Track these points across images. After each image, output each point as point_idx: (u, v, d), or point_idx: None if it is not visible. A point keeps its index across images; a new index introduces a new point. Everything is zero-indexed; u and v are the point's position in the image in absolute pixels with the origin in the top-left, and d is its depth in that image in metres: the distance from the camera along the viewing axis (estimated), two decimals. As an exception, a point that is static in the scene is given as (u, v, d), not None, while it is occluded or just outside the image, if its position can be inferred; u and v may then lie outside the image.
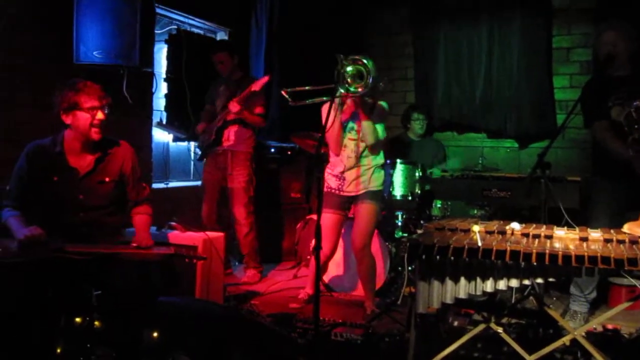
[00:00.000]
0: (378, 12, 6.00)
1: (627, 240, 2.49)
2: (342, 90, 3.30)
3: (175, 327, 2.86)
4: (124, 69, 4.12)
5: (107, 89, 3.08)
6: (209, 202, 4.87)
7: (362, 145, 3.80)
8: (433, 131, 5.61)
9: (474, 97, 5.52)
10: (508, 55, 5.38)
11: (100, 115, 2.98)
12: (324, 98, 3.55)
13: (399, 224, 4.51)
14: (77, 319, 2.79)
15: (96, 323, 2.82)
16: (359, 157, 3.80)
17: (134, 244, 3.02)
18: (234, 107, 4.51)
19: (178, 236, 3.73)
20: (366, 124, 3.67)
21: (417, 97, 5.78)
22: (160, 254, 3.05)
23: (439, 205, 4.55)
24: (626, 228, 2.65)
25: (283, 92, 3.64)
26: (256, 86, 4.45)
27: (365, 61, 3.34)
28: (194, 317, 3.03)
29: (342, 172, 3.83)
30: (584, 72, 5.19)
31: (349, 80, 3.34)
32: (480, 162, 4.73)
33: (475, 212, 4.44)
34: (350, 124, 3.81)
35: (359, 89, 3.37)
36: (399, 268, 4.23)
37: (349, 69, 3.35)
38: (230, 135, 4.75)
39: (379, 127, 3.75)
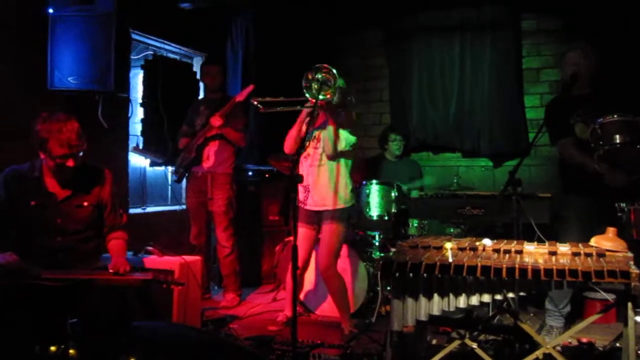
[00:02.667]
0: (353, 35, 6.10)
1: (594, 254, 2.55)
2: (308, 96, 3.37)
3: (151, 353, 2.84)
4: (99, 95, 4.13)
5: (83, 124, 3.04)
6: (197, 224, 4.90)
7: (324, 154, 3.84)
8: (409, 152, 5.68)
9: (448, 117, 5.61)
10: (480, 76, 5.50)
11: (69, 163, 2.96)
12: (298, 107, 3.62)
13: (377, 244, 4.54)
14: (52, 348, 2.76)
15: (71, 351, 2.79)
16: (321, 167, 3.83)
17: (111, 270, 3.01)
18: (217, 121, 4.55)
19: (155, 261, 3.71)
20: (329, 130, 3.72)
21: (393, 119, 5.86)
22: (138, 280, 3.06)
23: (415, 225, 4.59)
24: (593, 241, 2.72)
25: (253, 101, 3.72)
26: (241, 96, 4.51)
27: (331, 69, 3.42)
28: (170, 342, 3.01)
29: (307, 184, 3.86)
30: (554, 91, 5.33)
31: (315, 87, 3.41)
32: (455, 181, 4.80)
33: (452, 230, 4.49)
34: (315, 132, 3.87)
35: (327, 96, 3.44)
36: (377, 288, 4.24)
37: (317, 76, 3.43)
38: (211, 154, 4.77)
39: (345, 133, 3.79)
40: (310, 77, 3.43)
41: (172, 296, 3.59)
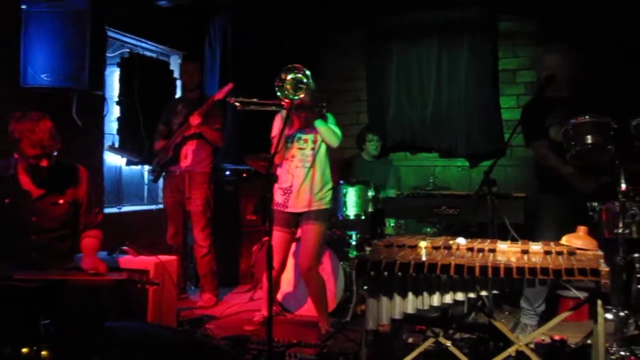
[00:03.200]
0: (331, 35, 6.11)
1: (565, 252, 2.59)
2: (280, 96, 3.38)
3: (125, 353, 2.82)
4: (73, 92, 4.09)
5: (57, 122, 3.01)
6: (174, 223, 4.87)
7: (309, 155, 3.84)
8: (387, 152, 5.70)
9: (425, 117, 5.65)
10: (457, 77, 5.54)
11: (43, 163, 2.94)
12: (274, 107, 3.63)
13: (353, 243, 4.55)
14: (24, 349, 2.73)
15: (44, 353, 2.76)
16: (308, 168, 3.84)
17: (86, 269, 2.99)
18: (195, 119, 4.53)
19: (130, 260, 3.69)
20: (319, 124, 3.74)
21: (370, 119, 5.87)
22: (113, 280, 3.04)
23: (392, 224, 4.62)
24: (564, 240, 2.76)
25: (230, 100, 3.72)
26: (220, 94, 4.50)
27: (304, 70, 3.43)
28: (145, 342, 2.98)
29: (290, 186, 3.86)
30: (529, 92, 5.38)
31: (288, 87, 3.42)
32: (431, 181, 4.83)
33: (428, 229, 4.52)
34: (298, 134, 3.87)
35: (300, 96, 3.45)
36: (354, 287, 4.26)
37: (290, 76, 3.43)
38: (188, 153, 4.75)
39: (333, 126, 3.83)
40: (283, 77, 3.43)
41: (147, 296, 3.56)
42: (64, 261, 3.15)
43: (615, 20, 4.77)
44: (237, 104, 3.67)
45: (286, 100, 3.43)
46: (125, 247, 3.81)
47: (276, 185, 3.91)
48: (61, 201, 3.11)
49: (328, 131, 3.78)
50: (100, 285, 3.00)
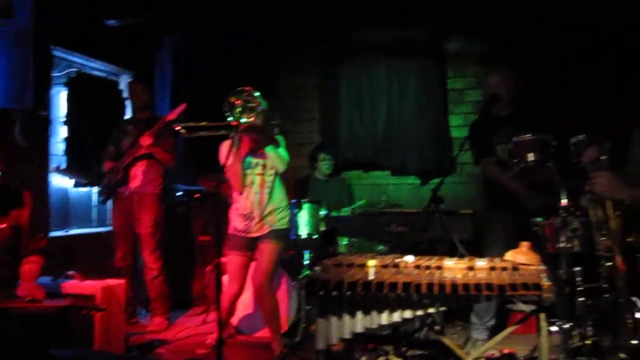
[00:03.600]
0: (285, 55, 6.15)
1: (509, 267, 2.65)
2: (232, 119, 3.36)
3: (68, 382, 2.73)
4: (16, 113, 3.98)
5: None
6: (122, 245, 4.76)
7: (269, 180, 3.83)
8: (339, 170, 5.74)
9: (376, 136, 5.72)
10: (407, 96, 5.65)
11: None
12: (222, 131, 3.59)
13: (306, 262, 4.54)
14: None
15: (-17, 384, 2.65)
16: (267, 193, 3.83)
17: (23, 296, 2.90)
18: (146, 140, 4.46)
19: (75, 285, 3.59)
20: (269, 150, 3.73)
21: (323, 137, 5.91)
22: (56, 307, 2.95)
23: (345, 243, 4.63)
24: (508, 256, 2.82)
25: (175, 127, 3.66)
26: (172, 115, 4.45)
27: (254, 92, 3.43)
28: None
29: (251, 212, 3.83)
30: (477, 111, 5.52)
31: (239, 110, 3.40)
32: (383, 199, 4.87)
33: (380, 247, 4.55)
34: (255, 160, 3.85)
35: (250, 119, 3.44)
36: (307, 307, 4.24)
37: (239, 99, 3.42)
38: (138, 173, 4.67)
39: (282, 151, 3.82)
40: (232, 100, 3.41)
41: (93, 322, 3.46)
42: (5, 288, 3.05)
43: (557, 42, 4.97)
44: (182, 130, 3.60)
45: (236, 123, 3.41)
46: (71, 272, 3.71)
47: (235, 211, 3.88)
48: (3, 225, 3.05)
49: (277, 157, 3.76)
50: (42, 312, 2.91)
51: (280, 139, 3.90)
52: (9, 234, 3.07)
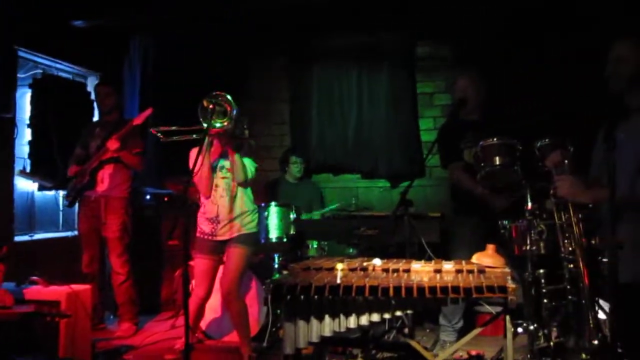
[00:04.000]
0: (254, 59, 6.13)
1: (475, 270, 2.68)
2: (205, 125, 3.35)
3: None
4: (-21, 115, 3.89)
5: None
6: (89, 250, 4.68)
7: (235, 184, 3.81)
8: (310, 173, 5.74)
9: (347, 139, 5.74)
10: (377, 100, 5.68)
11: None
12: (194, 135, 3.58)
13: (276, 266, 4.53)
14: None
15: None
16: (232, 196, 3.80)
17: None
18: (113, 144, 4.40)
19: (40, 291, 3.52)
20: (237, 158, 3.70)
21: (293, 140, 5.91)
22: (17, 313, 2.89)
23: (315, 246, 4.63)
24: (475, 258, 2.85)
25: (152, 131, 3.65)
26: (139, 119, 4.40)
27: (227, 97, 3.42)
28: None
29: (217, 216, 3.80)
30: (445, 115, 5.58)
31: (212, 116, 3.40)
32: (354, 202, 4.89)
33: (351, 250, 4.56)
34: (221, 162, 3.82)
35: (224, 124, 3.43)
36: (277, 311, 4.22)
37: (212, 104, 3.42)
38: (105, 177, 4.60)
39: (248, 161, 3.79)
40: (206, 105, 3.41)
41: (58, 328, 3.39)
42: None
43: (524, 47, 5.06)
44: (160, 135, 3.59)
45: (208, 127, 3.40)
46: (34, 277, 3.63)
47: (202, 215, 3.86)
48: None
49: (241, 167, 3.71)
50: (5, 319, 2.85)
51: (252, 142, 3.87)
52: None
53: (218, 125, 3.46)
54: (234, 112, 3.46)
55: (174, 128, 3.59)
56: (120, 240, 4.60)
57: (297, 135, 5.90)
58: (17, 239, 4.69)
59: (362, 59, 5.74)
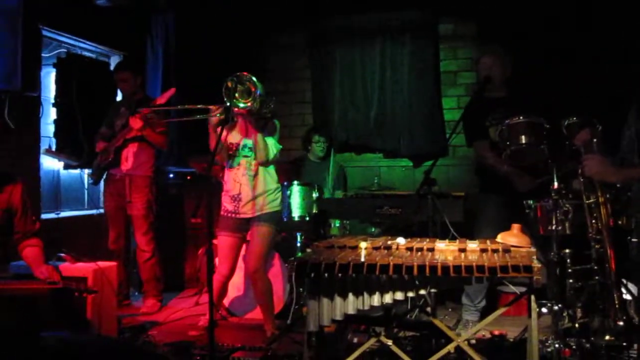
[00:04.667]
0: (277, 36, 6.10)
1: (500, 249, 2.66)
2: (230, 105, 3.37)
3: (60, 364, 2.72)
4: (5, 94, 3.93)
5: None
6: (115, 228, 4.75)
7: (256, 164, 3.82)
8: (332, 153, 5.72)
9: (369, 118, 5.70)
10: (400, 78, 5.62)
11: None
12: (217, 115, 3.59)
13: (298, 245, 4.55)
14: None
15: (-25, 367, 2.65)
16: (254, 175, 3.81)
17: (43, 278, 2.97)
18: (137, 123, 4.42)
19: (67, 268, 3.57)
20: (258, 138, 3.71)
21: (315, 120, 5.89)
22: (47, 289, 2.96)
23: (337, 225, 4.63)
24: (500, 238, 2.83)
25: (144, 111, 3.62)
26: (162, 99, 4.41)
27: (251, 77, 3.42)
28: (81, 353, 2.89)
29: (239, 194, 3.82)
30: (470, 94, 5.50)
31: (237, 95, 3.41)
32: (375, 181, 4.87)
33: (373, 229, 4.56)
34: (245, 141, 3.83)
35: (248, 104, 3.44)
36: (300, 289, 4.26)
37: (237, 84, 3.42)
38: (129, 155, 4.64)
39: (271, 141, 3.79)
40: (230, 85, 3.41)
41: (85, 304, 3.46)
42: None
43: (550, 23, 4.94)
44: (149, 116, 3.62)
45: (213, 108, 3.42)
46: (62, 254, 3.70)
47: (225, 193, 3.88)
48: None
49: (264, 147, 3.73)
50: (35, 294, 2.92)
51: (276, 122, 3.87)
52: (1, 216, 3.07)
53: (241, 105, 3.47)
54: (258, 92, 3.46)
55: (199, 106, 3.61)
56: (145, 219, 4.66)
57: (319, 114, 5.88)
58: (44, 216, 4.77)
59: (385, 37, 5.67)
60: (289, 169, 5.25)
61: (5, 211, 3.09)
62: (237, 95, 3.43)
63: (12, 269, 3.31)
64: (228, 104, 3.41)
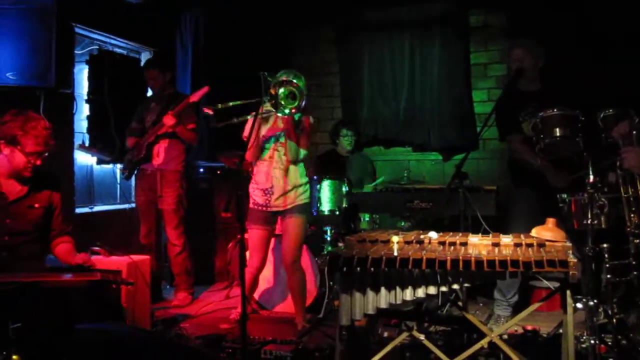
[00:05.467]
0: (305, 30, 6.10)
1: (535, 244, 2.62)
2: (278, 114, 3.37)
3: (96, 355, 2.77)
4: (40, 91, 4.00)
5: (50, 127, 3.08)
6: (146, 222, 4.81)
7: (288, 158, 3.83)
8: (361, 146, 5.71)
9: (398, 112, 5.67)
10: (429, 71, 5.57)
11: (37, 161, 3.01)
12: (249, 117, 3.60)
13: (328, 238, 4.55)
14: (-6, 354, 2.68)
15: (14, 357, 2.71)
16: (286, 169, 3.83)
17: (83, 262, 3.09)
18: (169, 120, 4.47)
19: (101, 261, 3.62)
20: (292, 137, 3.73)
21: (344, 114, 5.88)
22: (85, 280, 3.00)
23: (367, 219, 4.62)
24: (534, 232, 2.79)
25: (207, 110, 3.68)
26: (195, 97, 4.45)
27: (296, 82, 3.43)
28: (117, 344, 2.94)
29: (271, 187, 3.84)
30: (500, 86, 5.43)
31: (282, 102, 3.40)
32: (405, 175, 4.85)
33: (402, 223, 4.54)
34: (278, 136, 3.84)
35: (293, 110, 3.43)
36: (331, 283, 4.26)
37: (282, 90, 3.41)
38: (161, 151, 4.70)
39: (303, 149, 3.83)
40: (273, 92, 3.40)
41: (120, 297, 3.51)
42: (33, 263, 3.14)
43: (584, 14, 4.84)
44: (210, 116, 3.66)
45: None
46: (96, 247, 3.76)
47: (255, 186, 3.91)
48: (37, 205, 3.13)
49: (294, 150, 3.77)
50: (72, 286, 2.97)
51: (312, 120, 3.86)
52: (42, 213, 3.16)
53: (287, 112, 3.47)
54: (304, 99, 3.45)
55: (231, 104, 3.62)
56: (175, 213, 4.71)
57: (348, 108, 5.87)
58: (78, 211, 4.86)
59: (414, 30, 5.63)
60: (317, 163, 5.26)
61: (46, 209, 3.16)
62: (282, 102, 3.42)
63: (49, 262, 3.38)
64: (278, 113, 3.42)
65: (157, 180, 4.72)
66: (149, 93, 5.31)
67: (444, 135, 5.48)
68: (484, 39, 5.57)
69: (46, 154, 3.03)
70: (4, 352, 2.68)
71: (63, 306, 2.88)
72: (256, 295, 4.46)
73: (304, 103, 3.48)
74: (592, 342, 3.01)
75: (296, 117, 3.65)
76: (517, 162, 3.98)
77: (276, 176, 3.82)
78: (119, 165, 5.21)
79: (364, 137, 5.70)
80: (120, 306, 3.50)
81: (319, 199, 4.32)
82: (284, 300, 4.38)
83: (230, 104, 3.65)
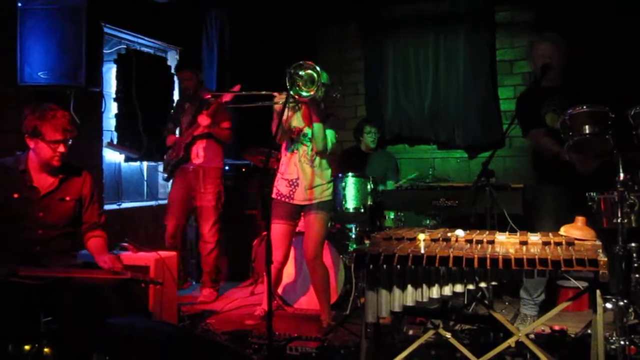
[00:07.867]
0: (330, 28, 6.10)
1: (563, 242, 2.59)
2: (293, 94, 3.40)
3: (126, 350, 2.82)
4: (70, 89, 4.07)
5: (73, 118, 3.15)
6: (176, 220, 4.84)
7: (314, 153, 3.85)
8: (385, 144, 5.70)
9: (422, 109, 5.65)
10: (454, 68, 5.54)
11: (61, 148, 3.05)
12: (260, 103, 3.66)
13: (353, 236, 4.56)
14: (26, 347, 2.74)
15: (46, 350, 2.77)
16: (312, 165, 3.84)
17: (106, 268, 3.06)
18: (204, 120, 4.53)
19: (130, 257, 3.69)
20: (317, 127, 3.74)
21: (368, 111, 5.87)
22: (116, 279, 3.06)
23: (392, 217, 4.62)
24: (563, 231, 2.75)
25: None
26: (227, 96, 4.48)
27: (315, 66, 3.45)
28: (146, 338, 2.98)
29: (297, 178, 3.86)
30: (527, 83, 5.38)
31: (300, 84, 3.44)
32: (430, 172, 4.83)
33: (427, 221, 4.52)
34: (306, 130, 3.86)
35: (311, 93, 3.46)
36: (356, 280, 4.27)
37: (301, 73, 3.45)
38: (200, 151, 4.76)
39: (330, 134, 3.81)
40: (293, 73, 3.44)
41: (148, 292, 3.57)
42: (66, 257, 3.20)
43: (612, 10, 4.76)
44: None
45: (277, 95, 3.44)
46: (125, 243, 3.82)
47: (280, 176, 3.92)
48: (68, 198, 3.19)
49: (320, 136, 3.75)
50: (102, 283, 3.03)
51: (330, 132, 3.86)
52: (73, 207, 3.20)
53: (304, 94, 3.50)
54: (321, 80, 3.48)
55: (263, 92, 3.67)
56: (214, 209, 4.77)
57: (372, 105, 5.86)
58: (106, 207, 4.93)
59: (439, 26, 5.60)
60: (341, 160, 5.27)
61: (77, 201, 3.21)
62: (300, 83, 3.46)
63: (81, 257, 3.44)
64: (291, 92, 3.44)
65: (199, 177, 4.77)
66: (176, 91, 5.38)
67: (469, 133, 5.45)
68: (510, 35, 5.52)
69: (69, 141, 3.07)
70: (36, 345, 2.74)
71: (94, 301, 2.93)
72: (280, 291, 4.49)
73: (322, 86, 3.51)
74: (622, 343, 2.96)
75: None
76: (542, 157, 3.92)
77: (303, 169, 3.84)
78: (146, 163, 5.28)
79: (388, 135, 5.69)
80: (147, 301, 3.57)
81: (344, 196, 4.32)
82: (305, 295, 4.40)
83: (263, 92, 3.71)
